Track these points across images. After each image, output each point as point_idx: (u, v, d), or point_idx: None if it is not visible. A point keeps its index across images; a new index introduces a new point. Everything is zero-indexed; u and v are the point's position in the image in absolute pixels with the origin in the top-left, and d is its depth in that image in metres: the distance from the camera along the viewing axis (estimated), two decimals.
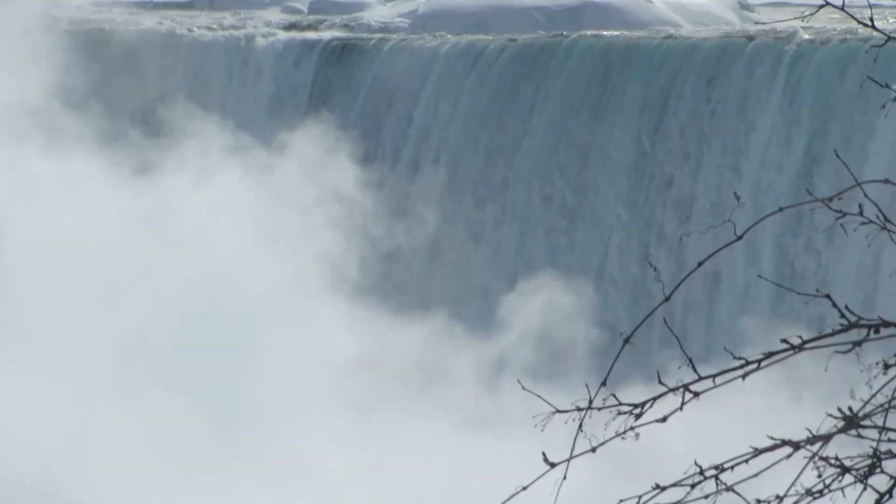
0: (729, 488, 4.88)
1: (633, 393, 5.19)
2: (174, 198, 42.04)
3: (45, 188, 44.12)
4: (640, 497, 5.12)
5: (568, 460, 5.26)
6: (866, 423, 4.87)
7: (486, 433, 34.40)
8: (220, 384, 37.53)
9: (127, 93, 50.77)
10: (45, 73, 45.75)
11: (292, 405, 38.36)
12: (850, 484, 4.85)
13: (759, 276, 34.29)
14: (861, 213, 5.27)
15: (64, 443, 35.47)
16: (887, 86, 6.53)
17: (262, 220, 42.58)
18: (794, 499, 4.92)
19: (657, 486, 5.18)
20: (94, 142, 44.66)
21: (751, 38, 42.08)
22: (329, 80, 48.68)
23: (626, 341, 5.39)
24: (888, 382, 5.46)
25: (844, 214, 5.33)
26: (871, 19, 6.58)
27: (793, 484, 4.82)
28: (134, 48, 52.56)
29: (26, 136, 44.52)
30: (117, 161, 44.01)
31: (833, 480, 4.79)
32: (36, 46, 47.87)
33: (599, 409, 5.11)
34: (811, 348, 4.97)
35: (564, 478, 5.21)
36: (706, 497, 4.90)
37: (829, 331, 5.02)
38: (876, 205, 5.24)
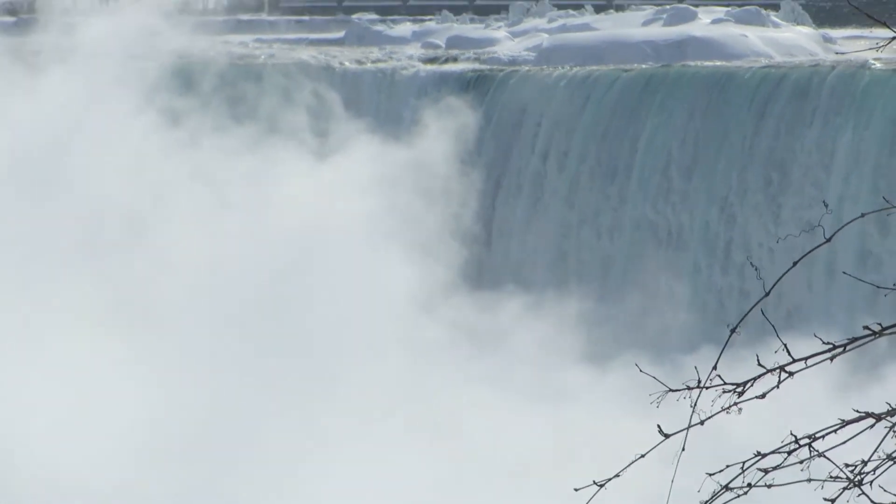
0: (821, 454, 5.34)
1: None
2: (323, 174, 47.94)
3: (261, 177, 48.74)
4: (743, 463, 5.61)
5: (686, 429, 5.71)
6: None
7: (559, 406, 37.48)
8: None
9: (285, 112, 53.18)
10: (228, 93, 52.22)
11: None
12: None
13: (844, 273, 33.53)
14: None
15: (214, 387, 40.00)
16: None
17: (392, 200, 46.51)
18: (875, 463, 5.43)
19: (758, 453, 5.60)
20: (280, 145, 49.19)
21: (833, 67, 44.08)
22: (463, 105, 49.23)
23: (733, 331, 5.83)
24: None
25: None
26: None
27: (876, 450, 5.33)
28: (292, 76, 54.57)
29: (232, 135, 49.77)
30: (298, 152, 49.28)
31: None
32: (216, 74, 53.58)
33: (707, 387, 5.52)
34: (889, 334, 5.50)
35: (683, 449, 5.64)
36: (801, 462, 5.41)
37: None
38: None
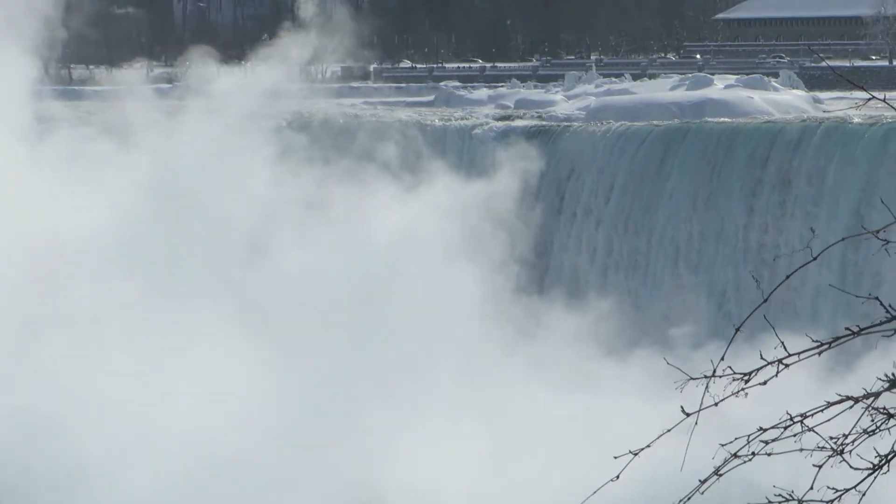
0: (811, 429, 5.28)
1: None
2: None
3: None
4: (748, 436, 5.50)
5: (698, 411, 5.54)
6: None
7: (599, 392, 37.07)
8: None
9: (382, 153, 52.59)
10: (337, 139, 52.98)
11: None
12: (895, 426, 5.31)
13: (830, 286, 34.59)
14: None
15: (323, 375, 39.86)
16: None
17: (464, 223, 44.75)
18: (854, 436, 5.33)
19: (760, 429, 5.47)
20: (377, 178, 46.98)
21: (821, 122, 46.03)
22: (527, 152, 48.36)
23: (738, 330, 5.68)
24: None
25: (888, 242, 5.90)
26: None
27: (854, 426, 5.27)
28: (390, 129, 55.26)
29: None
30: (392, 184, 45.84)
31: (882, 423, 5.28)
32: (327, 124, 55.48)
33: (721, 376, 5.38)
34: (866, 334, 5.45)
35: (696, 423, 5.46)
36: (794, 436, 5.38)
37: (878, 322, 5.49)
38: None
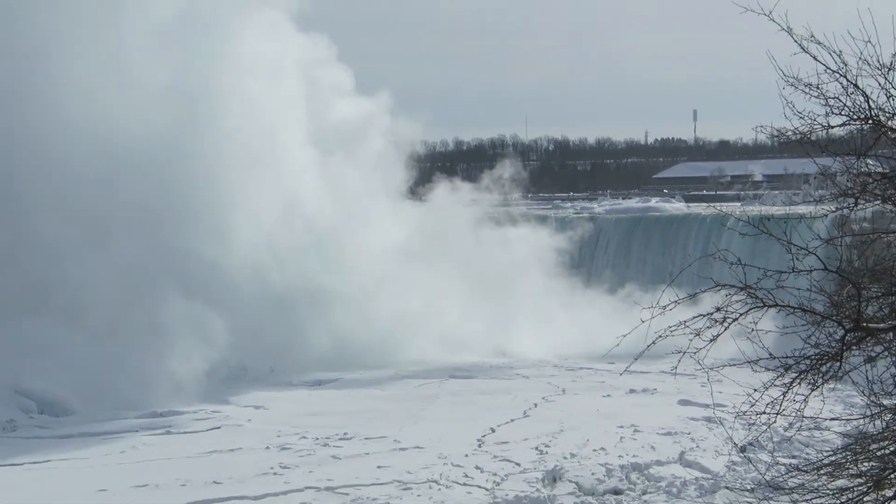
0: (700, 330, 7.57)
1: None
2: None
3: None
4: (685, 322, 7.67)
5: (651, 317, 7.74)
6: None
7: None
8: None
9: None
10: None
11: None
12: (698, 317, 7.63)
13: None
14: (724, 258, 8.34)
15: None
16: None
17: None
18: (702, 321, 7.85)
19: (683, 323, 7.85)
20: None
21: (690, 215, 63.27)
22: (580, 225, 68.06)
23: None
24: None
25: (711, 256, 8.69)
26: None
27: (713, 333, 7.52)
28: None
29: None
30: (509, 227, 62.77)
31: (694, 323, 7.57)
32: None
33: (655, 305, 7.88)
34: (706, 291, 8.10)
35: (651, 320, 7.59)
36: (699, 330, 7.76)
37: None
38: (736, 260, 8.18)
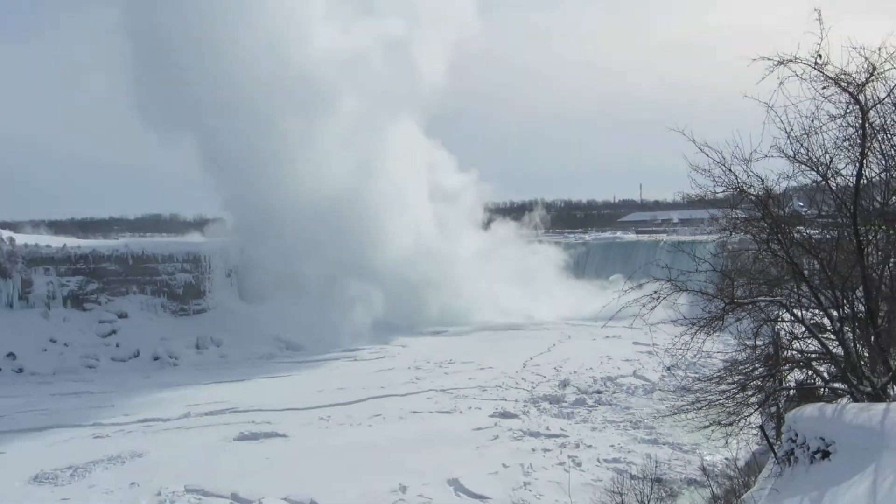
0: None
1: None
2: None
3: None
4: (633, 300, 6.33)
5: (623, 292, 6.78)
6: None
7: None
8: None
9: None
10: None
11: None
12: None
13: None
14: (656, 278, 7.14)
15: None
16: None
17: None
18: (646, 298, 6.91)
19: (636, 300, 6.67)
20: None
21: (639, 240, 59.98)
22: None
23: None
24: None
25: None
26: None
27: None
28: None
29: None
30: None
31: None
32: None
33: (624, 289, 6.98)
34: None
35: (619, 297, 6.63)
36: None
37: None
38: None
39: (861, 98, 6.19)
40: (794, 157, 6.66)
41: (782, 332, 7.68)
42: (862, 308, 6.28)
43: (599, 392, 27.69)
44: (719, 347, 7.63)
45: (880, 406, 5.03)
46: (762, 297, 7.29)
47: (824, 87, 6.20)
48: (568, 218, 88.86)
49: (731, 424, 7.71)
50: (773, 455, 6.57)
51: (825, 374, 7.20)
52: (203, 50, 42.89)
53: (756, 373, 7.52)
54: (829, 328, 6.74)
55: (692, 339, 7.24)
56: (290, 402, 27.15)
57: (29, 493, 17.73)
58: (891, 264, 6.60)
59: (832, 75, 6.17)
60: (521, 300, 49.67)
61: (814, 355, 7.22)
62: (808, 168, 6.70)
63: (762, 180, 7.07)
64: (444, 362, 34.31)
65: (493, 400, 26.63)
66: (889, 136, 6.45)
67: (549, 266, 55.98)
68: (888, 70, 6.15)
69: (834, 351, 6.63)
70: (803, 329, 7.16)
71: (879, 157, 6.55)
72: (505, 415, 24.73)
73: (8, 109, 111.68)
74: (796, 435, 5.50)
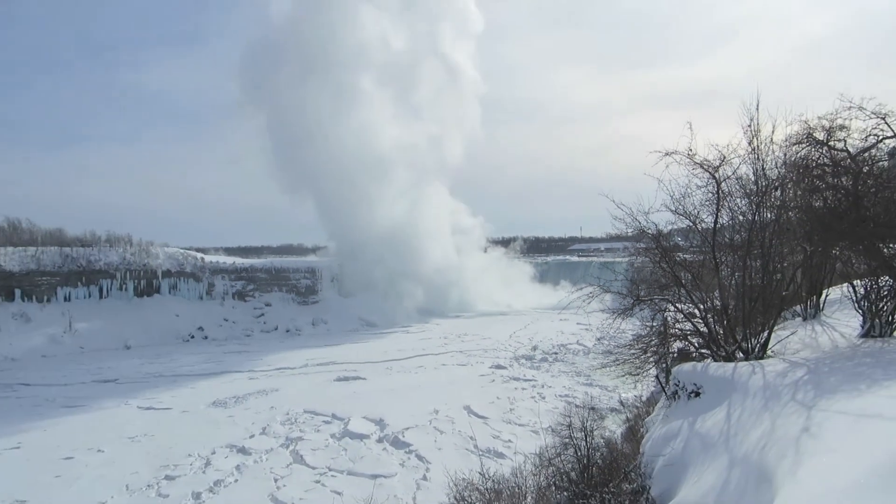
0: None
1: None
2: None
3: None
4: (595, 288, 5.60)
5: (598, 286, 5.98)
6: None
7: None
8: None
9: None
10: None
11: None
12: None
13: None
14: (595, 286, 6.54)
15: None
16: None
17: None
18: (586, 297, 6.26)
19: (579, 297, 6.18)
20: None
21: (592, 263, 50.58)
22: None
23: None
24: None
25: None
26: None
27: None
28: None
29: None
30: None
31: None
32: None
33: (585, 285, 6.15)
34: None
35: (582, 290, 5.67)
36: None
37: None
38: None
39: (717, 175, 6.25)
40: (676, 211, 6.66)
41: (669, 318, 7.40)
42: (718, 303, 6.24)
43: (556, 353, 27.59)
44: (630, 327, 7.41)
45: (730, 364, 5.05)
46: (657, 296, 7.15)
47: (694, 168, 6.31)
48: (536, 247, 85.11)
49: (637, 374, 7.64)
50: (664, 394, 6.48)
51: (696, 344, 7.11)
52: (317, 141, 45.01)
53: (653, 343, 7.43)
54: (698, 316, 6.60)
55: (613, 321, 7.12)
56: (367, 357, 27.97)
57: (209, 412, 19.12)
58: (735, 277, 6.50)
59: (698, 161, 6.28)
60: (506, 296, 49.13)
61: (689, 332, 7.09)
62: (684, 217, 6.68)
63: (656, 225, 7.01)
64: (461, 334, 34.61)
65: (491, 358, 27.07)
66: (733, 198, 6.53)
67: (524, 275, 55.38)
68: (732, 158, 6.30)
69: (701, 329, 6.50)
70: (682, 316, 6.96)
71: (727, 211, 6.61)
72: (498, 367, 25.14)
73: (205, 178, 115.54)
74: (679, 382, 5.45)
